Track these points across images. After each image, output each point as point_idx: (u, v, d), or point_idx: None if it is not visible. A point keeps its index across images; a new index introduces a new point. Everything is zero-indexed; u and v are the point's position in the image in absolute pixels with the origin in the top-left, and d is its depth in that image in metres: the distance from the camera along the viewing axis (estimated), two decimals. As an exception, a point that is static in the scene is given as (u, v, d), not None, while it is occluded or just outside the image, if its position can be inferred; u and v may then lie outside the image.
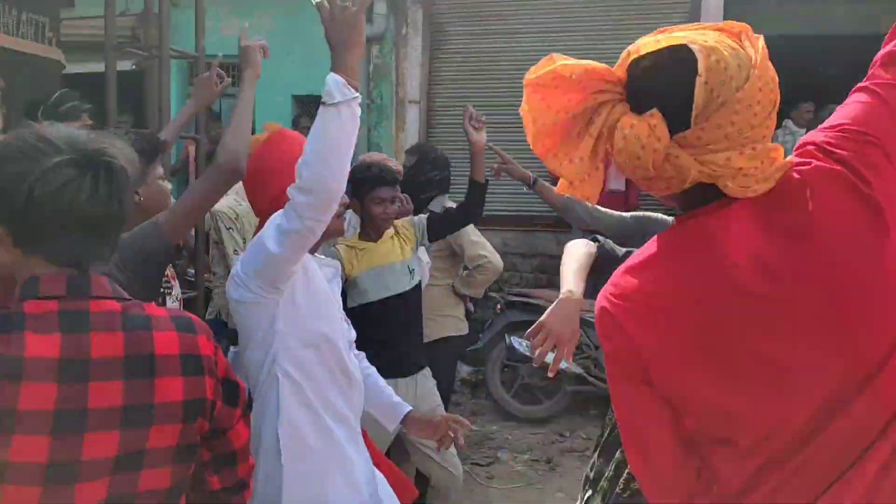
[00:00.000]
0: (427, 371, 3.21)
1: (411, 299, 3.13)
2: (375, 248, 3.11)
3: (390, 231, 3.18)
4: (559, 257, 7.42)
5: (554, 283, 6.57)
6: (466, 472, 4.13)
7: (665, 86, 1.08)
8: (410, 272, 3.12)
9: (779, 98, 1.10)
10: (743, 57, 1.07)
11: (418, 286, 3.16)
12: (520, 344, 5.04)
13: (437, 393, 3.23)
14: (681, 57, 1.07)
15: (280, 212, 1.85)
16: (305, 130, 5.87)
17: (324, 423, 2.01)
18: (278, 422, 1.93)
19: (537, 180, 3.15)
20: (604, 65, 1.14)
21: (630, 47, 1.14)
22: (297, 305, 1.97)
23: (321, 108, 1.75)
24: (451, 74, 6.89)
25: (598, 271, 2.27)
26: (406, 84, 6.78)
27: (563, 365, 5.30)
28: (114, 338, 1.14)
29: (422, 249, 3.33)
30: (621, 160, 1.09)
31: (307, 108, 7.27)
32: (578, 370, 5.04)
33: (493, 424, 5.10)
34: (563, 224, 6.55)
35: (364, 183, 3.05)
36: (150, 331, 1.17)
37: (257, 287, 1.90)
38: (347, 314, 3.13)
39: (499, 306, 5.26)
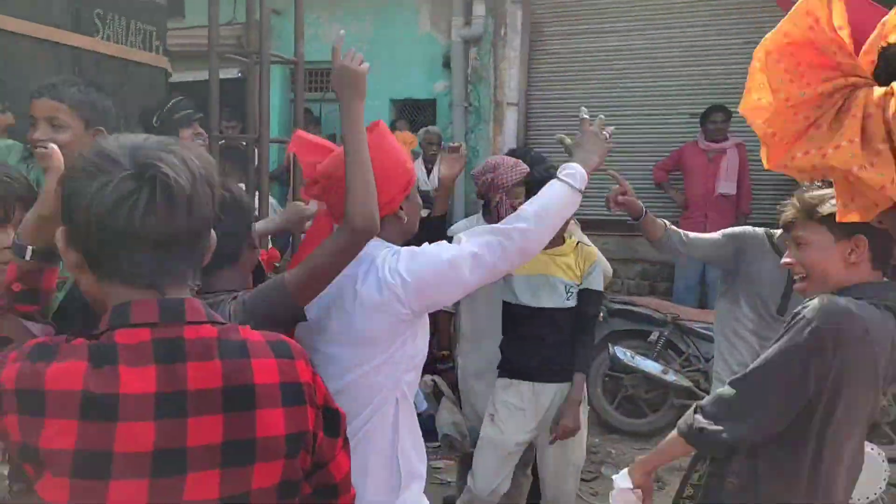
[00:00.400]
0: (567, 387, 3.04)
1: (563, 316, 3.02)
2: (540, 255, 3.02)
3: (570, 246, 3.09)
4: (661, 263, 7.08)
5: (656, 291, 6.32)
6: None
7: None
8: (567, 293, 3.03)
9: None
10: None
11: (571, 310, 3.04)
12: (624, 353, 4.82)
13: (583, 409, 3.07)
14: None
15: (473, 239, 1.78)
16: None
17: (420, 448, 1.90)
18: (398, 450, 1.79)
19: (647, 214, 2.88)
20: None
21: (888, 27, 0.94)
22: (421, 324, 1.85)
23: (562, 184, 1.94)
24: (550, 76, 6.72)
25: None
26: (504, 86, 6.66)
27: (670, 377, 5.01)
28: (212, 367, 1.04)
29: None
30: None
31: (404, 112, 7.27)
32: (687, 383, 4.77)
33: (595, 437, 4.88)
34: (669, 229, 6.26)
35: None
36: (247, 358, 1.07)
37: (415, 304, 1.73)
38: (503, 304, 3.12)
39: (601, 314, 5.05)
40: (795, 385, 1.65)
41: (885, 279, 1.77)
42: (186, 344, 1.04)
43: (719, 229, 4.70)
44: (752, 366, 1.75)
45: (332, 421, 1.19)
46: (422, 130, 6.21)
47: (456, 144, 2.97)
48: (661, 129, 6.38)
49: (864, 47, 0.96)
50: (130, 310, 1.04)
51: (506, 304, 3.08)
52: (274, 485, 1.08)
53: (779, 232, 2.80)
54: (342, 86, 1.74)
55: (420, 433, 1.93)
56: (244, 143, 3.78)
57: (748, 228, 2.90)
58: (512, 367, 3.06)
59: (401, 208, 1.88)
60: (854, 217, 0.97)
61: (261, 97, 3.62)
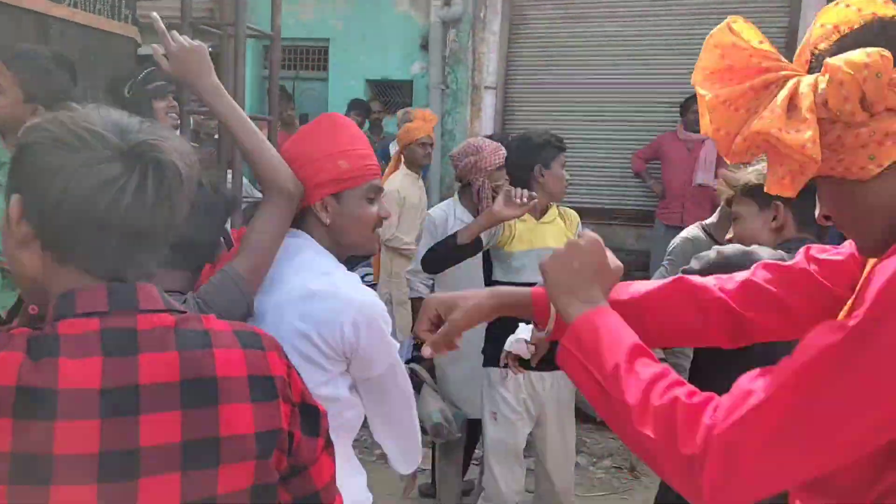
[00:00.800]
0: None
1: None
2: (536, 227, 2.94)
3: (555, 212, 3.01)
4: (637, 252, 7.12)
5: (632, 279, 6.29)
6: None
7: (868, 37, 0.96)
8: None
9: None
10: None
11: None
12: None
13: (573, 397, 3.04)
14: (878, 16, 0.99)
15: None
16: (377, 115, 5.64)
17: (354, 464, 1.74)
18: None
19: None
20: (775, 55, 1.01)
21: (814, 37, 1.02)
22: None
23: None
24: (531, 60, 6.62)
25: None
26: (483, 69, 6.55)
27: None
28: (167, 359, 0.93)
29: None
30: (846, 75, 0.92)
31: (380, 92, 7.14)
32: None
33: (569, 426, 4.85)
34: (644, 218, 6.24)
35: (546, 147, 2.89)
36: (210, 348, 0.97)
37: (342, 373, 1.63)
38: (493, 285, 2.99)
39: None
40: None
41: (811, 237, 1.91)
42: (139, 334, 0.93)
43: (696, 220, 4.73)
44: None
45: (311, 419, 1.08)
46: (401, 112, 6.08)
47: (526, 196, 2.71)
48: (640, 117, 6.33)
49: (796, 52, 1.03)
50: (76, 298, 0.93)
51: (502, 284, 2.91)
52: (244, 489, 0.97)
53: (710, 220, 3.05)
54: (189, 65, 1.63)
55: (354, 458, 1.77)
56: (216, 120, 3.64)
57: (686, 237, 3.03)
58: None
59: (326, 209, 1.67)
60: (784, 188, 1.00)
61: (236, 72, 3.46)
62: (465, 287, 3.21)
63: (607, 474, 4.20)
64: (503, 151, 3.16)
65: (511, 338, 2.22)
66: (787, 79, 0.97)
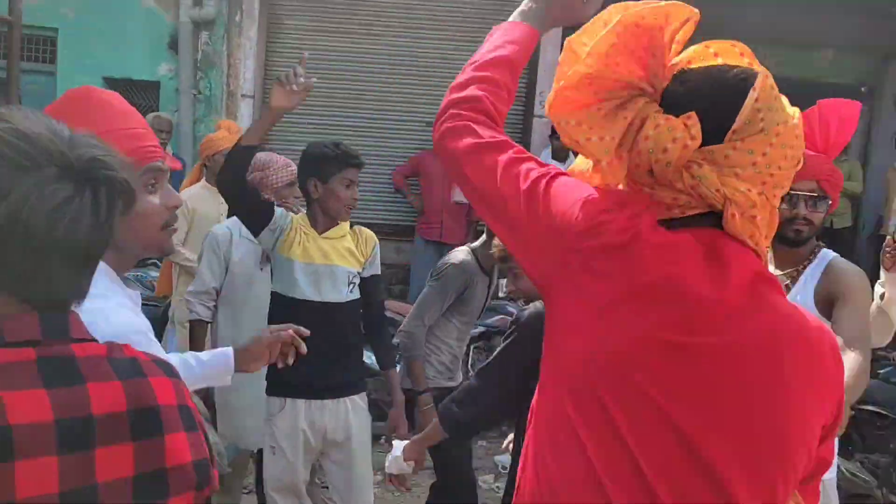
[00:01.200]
0: (361, 398, 2.86)
1: (345, 313, 2.76)
2: (318, 241, 2.73)
3: (345, 228, 2.81)
4: (397, 266, 7.21)
5: (392, 293, 6.40)
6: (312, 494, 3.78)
7: (710, 94, 1.03)
8: (350, 285, 2.77)
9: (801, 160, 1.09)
10: (784, 99, 1.07)
11: (355, 302, 2.81)
12: (368, 357, 4.76)
13: (366, 422, 2.92)
14: (737, 72, 1.04)
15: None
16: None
17: None
18: None
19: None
20: (635, 72, 1.06)
21: (678, 58, 1.09)
22: None
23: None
24: (289, 70, 6.48)
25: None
26: (239, 76, 6.28)
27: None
28: (112, 388, 0.88)
29: None
30: (646, 147, 1.02)
31: (121, 92, 6.51)
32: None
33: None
34: (404, 233, 6.38)
35: (331, 162, 2.70)
36: (144, 377, 0.93)
37: None
38: (272, 296, 2.76)
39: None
40: (510, 372, 2.04)
41: None
42: (79, 363, 0.88)
43: (454, 235, 4.81)
44: (490, 359, 2.16)
45: (211, 451, 1.05)
46: (151, 115, 5.61)
47: (301, 76, 2.58)
48: (399, 134, 6.50)
49: (674, 59, 1.09)
50: (2, 327, 0.84)
51: (280, 298, 2.73)
52: None
53: (477, 243, 3.19)
54: None
55: None
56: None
57: (455, 263, 3.12)
58: (284, 381, 2.70)
59: None
60: (604, 177, 1.13)
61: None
62: (251, 309, 3.02)
63: (380, 488, 4.19)
64: (293, 168, 3.01)
65: (388, 458, 2.27)
66: (642, 92, 1.04)
